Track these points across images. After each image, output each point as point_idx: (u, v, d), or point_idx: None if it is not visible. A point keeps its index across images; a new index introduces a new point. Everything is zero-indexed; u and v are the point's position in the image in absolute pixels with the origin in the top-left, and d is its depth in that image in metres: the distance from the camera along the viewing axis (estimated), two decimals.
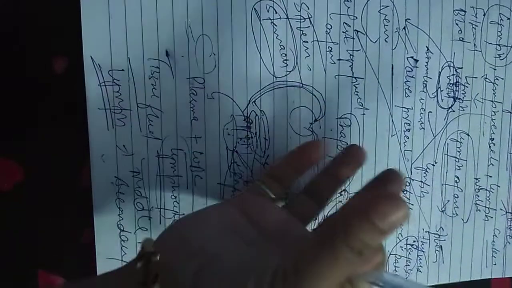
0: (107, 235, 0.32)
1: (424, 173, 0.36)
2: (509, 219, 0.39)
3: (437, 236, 0.37)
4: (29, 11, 0.30)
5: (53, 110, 0.31)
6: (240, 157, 0.33)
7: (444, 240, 0.38)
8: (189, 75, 0.32)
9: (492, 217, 0.38)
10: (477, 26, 0.36)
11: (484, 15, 0.36)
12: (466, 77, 0.36)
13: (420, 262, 0.37)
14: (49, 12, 0.30)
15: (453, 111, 0.36)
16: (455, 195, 0.37)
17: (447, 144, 0.37)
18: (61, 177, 0.32)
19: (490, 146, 0.37)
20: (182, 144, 0.32)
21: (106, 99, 0.31)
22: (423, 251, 0.37)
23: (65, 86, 0.31)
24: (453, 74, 0.36)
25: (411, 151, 0.36)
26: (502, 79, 0.37)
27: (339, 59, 0.34)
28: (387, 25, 0.34)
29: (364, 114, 0.35)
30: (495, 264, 0.39)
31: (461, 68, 0.36)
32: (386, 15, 0.34)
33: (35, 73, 0.31)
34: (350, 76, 0.34)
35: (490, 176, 0.38)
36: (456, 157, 0.37)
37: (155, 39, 0.31)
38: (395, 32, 0.34)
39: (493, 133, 0.37)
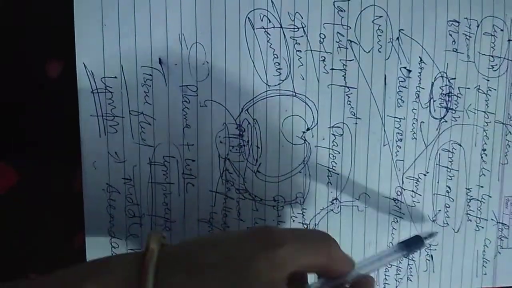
0: (98, 241, 0.32)
1: (416, 182, 0.37)
2: (500, 229, 0.39)
3: (428, 246, 0.38)
4: (23, 17, 0.30)
5: (46, 116, 0.31)
6: (232, 165, 0.33)
7: (435, 249, 0.38)
8: (182, 82, 0.32)
9: (483, 227, 0.38)
10: (470, 37, 0.36)
11: (477, 26, 0.36)
12: (459, 87, 0.36)
13: (411, 271, 0.38)
14: (43, 18, 0.30)
15: (446, 121, 0.36)
16: (447, 205, 0.37)
17: (439, 154, 0.37)
18: (52, 183, 0.32)
19: (482, 157, 0.38)
20: (174, 152, 0.33)
21: (99, 106, 0.31)
22: (414, 260, 0.38)
23: (58, 92, 0.31)
24: (446, 85, 0.36)
25: (403, 160, 0.36)
26: (495, 90, 0.37)
27: (332, 69, 0.34)
28: (380, 35, 0.34)
29: (356, 123, 0.35)
30: (486, 274, 0.39)
31: (454, 78, 0.36)
32: (379, 25, 0.34)
33: (29, 78, 0.31)
34: (343, 86, 0.34)
35: (482, 187, 0.38)
36: (448, 167, 0.37)
37: (148, 47, 0.31)
38: (389, 42, 0.34)
39: (485, 143, 0.37)
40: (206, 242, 0.24)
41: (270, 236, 0.23)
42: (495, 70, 0.37)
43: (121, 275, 0.22)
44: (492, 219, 0.39)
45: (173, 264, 0.23)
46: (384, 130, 0.35)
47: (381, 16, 0.34)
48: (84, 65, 0.30)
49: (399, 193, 0.36)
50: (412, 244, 0.31)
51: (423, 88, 0.36)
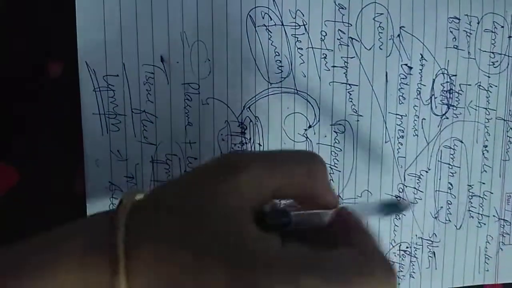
0: None
1: (418, 179, 0.37)
2: (502, 226, 0.39)
3: (430, 242, 0.38)
4: (24, 16, 0.30)
5: (48, 115, 0.31)
6: None
7: (437, 246, 0.38)
8: (184, 80, 0.32)
9: (485, 224, 0.38)
10: (471, 34, 0.36)
11: (478, 23, 0.36)
12: (460, 84, 0.36)
13: (413, 268, 0.38)
14: (44, 17, 0.30)
15: (447, 118, 0.37)
16: (448, 202, 0.38)
17: (441, 151, 0.37)
18: (55, 182, 0.32)
19: (483, 153, 0.38)
20: (177, 150, 0.33)
21: (101, 104, 0.31)
22: (416, 257, 0.38)
23: (60, 91, 0.31)
24: (447, 82, 0.36)
25: (404, 157, 0.36)
26: (496, 86, 0.37)
27: (333, 66, 0.34)
28: (381, 33, 0.34)
29: (358, 120, 0.35)
30: (488, 270, 0.39)
31: (455, 75, 0.36)
32: (380, 23, 0.34)
33: (30, 77, 0.31)
34: (344, 83, 0.34)
35: (483, 183, 0.38)
36: (449, 164, 0.37)
37: (150, 45, 0.31)
38: (390, 39, 0.35)
39: (487, 140, 0.38)
40: (176, 183, 0.22)
41: (232, 161, 0.20)
42: (496, 67, 0.37)
43: (82, 241, 0.20)
44: (494, 216, 0.39)
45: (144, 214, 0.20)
46: (386, 127, 0.35)
47: (382, 14, 0.34)
48: (86, 63, 0.30)
49: (401, 190, 0.36)
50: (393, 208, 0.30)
51: (424, 85, 0.36)
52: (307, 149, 0.34)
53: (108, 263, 0.19)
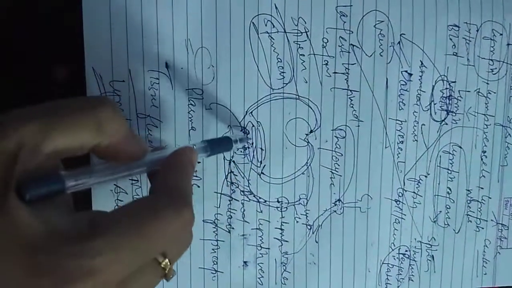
0: None
1: (417, 184, 0.37)
2: (500, 230, 0.39)
3: (429, 246, 0.38)
4: (31, 21, 0.31)
5: None
6: (237, 167, 0.34)
7: (436, 250, 0.38)
8: (188, 86, 0.33)
9: (483, 228, 0.39)
10: (470, 41, 0.37)
11: (477, 30, 0.37)
12: (459, 91, 0.37)
13: (412, 271, 0.38)
14: (51, 23, 0.31)
15: (446, 124, 0.37)
16: (447, 206, 0.38)
17: (440, 156, 0.37)
18: None
19: (482, 159, 0.38)
20: None
21: None
22: (415, 261, 0.38)
23: (67, 95, 0.32)
24: (446, 88, 0.37)
25: (404, 162, 0.37)
26: (495, 93, 0.38)
27: (334, 72, 0.35)
28: (382, 40, 0.35)
29: (358, 126, 0.36)
30: (486, 274, 0.39)
31: (454, 82, 0.37)
32: (381, 30, 0.35)
33: (36, 81, 0.32)
34: (345, 89, 0.35)
35: (482, 188, 0.39)
36: (448, 169, 0.38)
37: (155, 51, 0.32)
38: (390, 46, 0.35)
39: (485, 145, 0.38)
40: None
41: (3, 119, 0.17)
42: (495, 74, 0.38)
43: None
44: (492, 220, 0.39)
45: None
46: (386, 133, 0.36)
47: (382, 21, 0.35)
48: (93, 69, 0.31)
49: (400, 194, 0.37)
50: (219, 145, 0.31)
51: (424, 91, 0.36)
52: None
53: None
